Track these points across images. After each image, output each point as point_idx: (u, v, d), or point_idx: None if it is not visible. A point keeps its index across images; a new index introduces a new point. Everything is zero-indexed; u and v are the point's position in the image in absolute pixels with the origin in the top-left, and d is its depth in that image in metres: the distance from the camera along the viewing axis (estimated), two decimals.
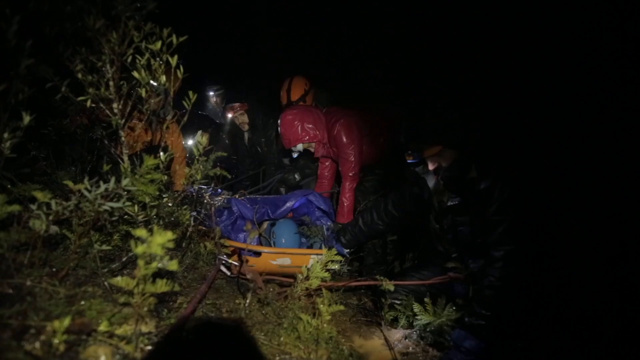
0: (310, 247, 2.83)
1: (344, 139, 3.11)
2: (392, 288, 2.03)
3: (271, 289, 1.94)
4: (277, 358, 1.47)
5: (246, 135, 4.44)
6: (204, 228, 2.31)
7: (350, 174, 3.15)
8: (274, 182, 4.06)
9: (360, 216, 2.65)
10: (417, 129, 1.98)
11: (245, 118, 4.23)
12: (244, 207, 2.81)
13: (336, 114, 3.23)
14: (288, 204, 2.93)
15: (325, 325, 1.63)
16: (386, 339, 1.97)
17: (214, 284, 1.96)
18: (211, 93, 4.80)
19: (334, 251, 2.02)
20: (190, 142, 4.26)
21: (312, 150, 3.38)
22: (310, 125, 3.22)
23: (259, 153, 4.45)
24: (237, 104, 4.15)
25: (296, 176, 3.96)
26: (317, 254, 2.40)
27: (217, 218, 2.57)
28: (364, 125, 3.22)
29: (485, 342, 1.77)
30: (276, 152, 4.25)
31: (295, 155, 3.47)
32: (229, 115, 4.26)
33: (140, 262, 1.02)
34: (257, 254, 2.40)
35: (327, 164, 3.58)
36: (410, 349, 1.93)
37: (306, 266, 1.98)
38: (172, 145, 3.34)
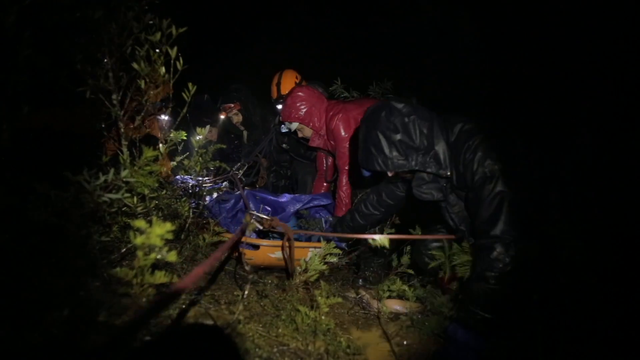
0: (309, 239, 2.82)
1: (342, 133, 3.12)
2: (387, 244, 2.04)
3: (269, 281, 1.95)
4: (275, 349, 1.48)
5: (245, 134, 4.40)
6: (202, 221, 2.32)
7: (347, 168, 3.16)
8: (265, 142, 4.02)
9: (356, 208, 2.65)
10: None
11: (239, 117, 4.20)
12: (252, 201, 2.74)
13: (335, 107, 3.23)
14: (287, 212, 2.86)
15: (323, 317, 1.64)
16: (384, 331, 1.98)
17: (212, 275, 1.97)
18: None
19: (332, 244, 2.03)
20: (199, 137, 4.16)
21: (306, 136, 3.39)
22: (317, 113, 3.25)
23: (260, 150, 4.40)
24: (229, 105, 4.12)
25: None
26: (315, 247, 2.39)
27: (220, 205, 2.59)
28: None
29: (479, 334, 1.78)
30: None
31: (284, 129, 3.46)
32: (222, 117, 4.22)
33: (139, 253, 1.02)
34: (256, 247, 2.38)
35: (324, 158, 3.59)
36: (408, 341, 1.94)
37: (304, 259, 1.99)
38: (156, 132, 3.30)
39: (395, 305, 2.20)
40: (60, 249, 1.45)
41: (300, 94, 3.28)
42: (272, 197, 2.94)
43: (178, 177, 2.85)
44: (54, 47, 1.56)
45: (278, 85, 3.77)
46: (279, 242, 2.43)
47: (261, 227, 2.28)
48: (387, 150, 1.90)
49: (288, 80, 3.75)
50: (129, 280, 1.10)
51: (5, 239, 1.26)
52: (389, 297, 2.16)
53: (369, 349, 1.81)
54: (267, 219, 2.31)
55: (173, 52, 1.65)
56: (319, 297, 1.69)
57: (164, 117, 3.93)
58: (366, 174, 2.13)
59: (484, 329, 1.78)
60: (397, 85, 4.43)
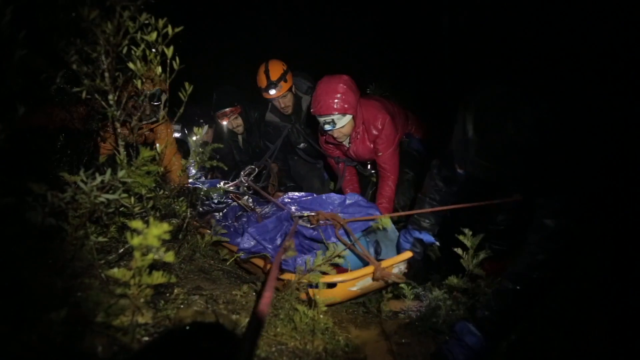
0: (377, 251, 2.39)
1: (393, 136, 2.98)
2: (389, 225, 1.95)
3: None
4: (274, 349, 1.48)
5: (240, 137, 4.29)
6: (199, 224, 2.31)
7: (397, 170, 3.05)
8: (278, 145, 3.87)
9: (429, 190, 2.21)
10: None
11: (239, 121, 4.08)
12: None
13: (371, 104, 2.99)
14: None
15: (321, 316, 1.64)
16: (382, 330, 1.98)
17: (210, 275, 1.97)
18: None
19: (340, 246, 1.98)
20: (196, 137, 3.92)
21: (345, 135, 2.98)
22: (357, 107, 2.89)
23: (257, 153, 4.31)
24: (228, 109, 3.96)
25: (301, 141, 3.83)
26: (400, 262, 2.05)
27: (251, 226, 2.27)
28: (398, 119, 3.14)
29: (490, 340, 1.69)
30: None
31: (328, 127, 2.88)
32: (224, 123, 4.05)
33: (137, 254, 1.02)
34: (331, 285, 1.95)
35: (341, 166, 3.44)
36: (406, 339, 1.94)
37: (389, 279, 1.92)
38: (163, 141, 3.29)
39: (395, 304, 2.20)
40: (58, 249, 1.45)
41: (349, 82, 2.84)
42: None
43: (191, 181, 2.81)
44: (50, 47, 1.55)
45: (267, 72, 3.54)
46: (361, 272, 1.98)
47: (310, 226, 2.16)
48: (512, 164, 1.47)
49: (276, 68, 3.56)
50: (126, 280, 1.10)
51: (2, 240, 1.26)
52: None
53: (367, 347, 1.81)
54: (313, 215, 2.17)
55: (169, 52, 1.65)
56: (317, 296, 1.69)
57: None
58: (460, 172, 1.84)
59: (494, 332, 1.70)
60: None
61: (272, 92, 3.56)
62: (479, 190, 2.13)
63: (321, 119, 2.88)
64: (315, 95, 2.90)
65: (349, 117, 2.85)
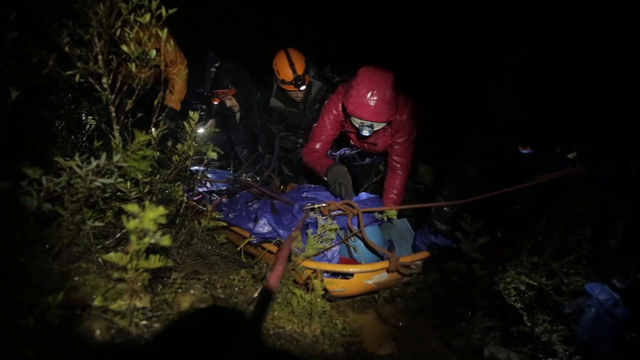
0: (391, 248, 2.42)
1: (414, 125, 2.81)
2: (394, 215, 1.96)
3: (265, 265, 1.96)
4: (271, 332, 1.49)
5: (238, 115, 4.24)
6: (199, 206, 2.30)
7: (409, 164, 2.92)
8: (275, 153, 3.90)
9: (450, 194, 2.15)
10: None
11: (233, 102, 4.03)
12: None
13: (399, 98, 2.69)
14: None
15: (318, 300, 1.65)
16: (379, 314, 2.00)
17: (207, 260, 1.98)
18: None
19: (329, 221, 1.97)
20: (200, 130, 3.73)
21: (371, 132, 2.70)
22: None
23: (255, 134, 4.30)
24: (221, 91, 3.91)
25: (298, 140, 3.84)
26: (420, 260, 2.07)
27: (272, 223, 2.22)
28: None
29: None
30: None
31: (366, 133, 2.57)
32: (215, 103, 3.98)
33: (133, 238, 1.02)
34: (348, 275, 1.95)
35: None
36: (403, 323, 1.96)
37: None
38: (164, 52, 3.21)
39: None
40: (54, 234, 1.45)
41: (394, 80, 2.53)
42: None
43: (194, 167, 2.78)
44: (42, 29, 1.52)
45: (292, 66, 3.40)
46: (379, 265, 1.98)
47: (322, 216, 2.12)
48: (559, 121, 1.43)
49: (299, 60, 3.47)
50: (123, 265, 1.10)
51: None
52: None
53: (364, 330, 1.83)
54: (324, 206, 2.16)
55: (163, 34, 1.62)
56: (315, 280, 1.70)
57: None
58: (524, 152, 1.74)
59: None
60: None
61: (303, 87, 3.50)
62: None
63: (358, 121, 2.57)
64: (357, 93, 2.51)
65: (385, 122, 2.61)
